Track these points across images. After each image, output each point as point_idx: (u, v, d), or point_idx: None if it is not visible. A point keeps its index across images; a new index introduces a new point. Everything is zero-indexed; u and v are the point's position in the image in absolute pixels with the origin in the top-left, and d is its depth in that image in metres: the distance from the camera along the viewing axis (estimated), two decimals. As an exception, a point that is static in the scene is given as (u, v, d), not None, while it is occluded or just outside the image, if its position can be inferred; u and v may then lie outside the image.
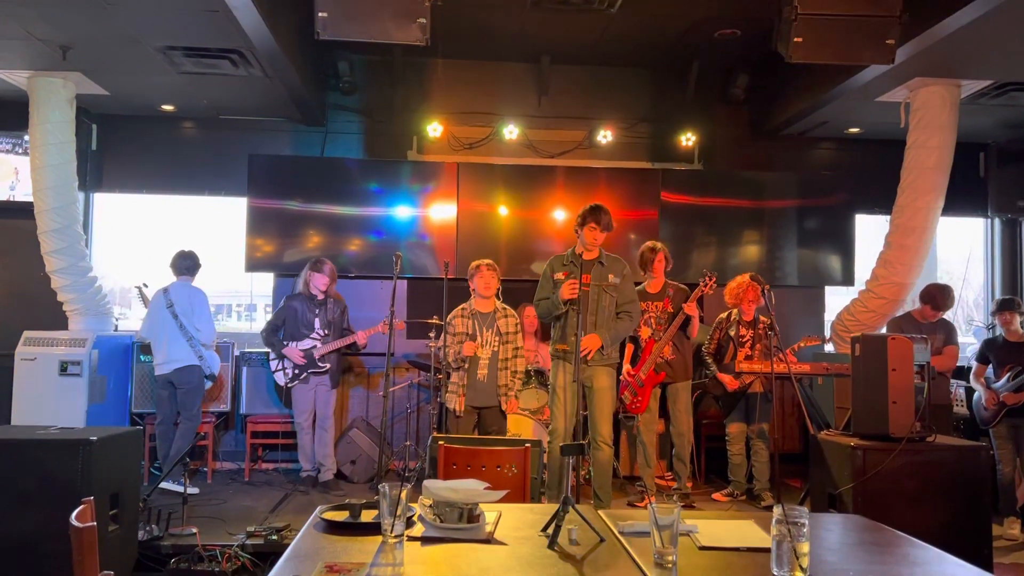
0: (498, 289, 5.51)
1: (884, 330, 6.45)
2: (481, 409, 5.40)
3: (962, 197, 7.46)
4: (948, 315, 6.06)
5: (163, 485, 5.52)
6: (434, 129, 7.29)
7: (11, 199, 6.99)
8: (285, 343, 6.08)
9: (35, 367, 6.21)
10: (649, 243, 5.95)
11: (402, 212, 7.27)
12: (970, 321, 8.72)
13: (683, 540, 2.17)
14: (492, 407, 5.41)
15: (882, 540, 2.38)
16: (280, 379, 6.15)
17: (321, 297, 6.16)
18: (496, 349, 5.40)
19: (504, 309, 5.50)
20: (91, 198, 7.48)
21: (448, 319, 5.47)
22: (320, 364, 6.09)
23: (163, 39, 5.56)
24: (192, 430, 5.96)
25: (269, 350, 6.19)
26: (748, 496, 6.00)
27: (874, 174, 7.60)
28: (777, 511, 1.91)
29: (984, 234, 8.38)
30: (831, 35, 4.62)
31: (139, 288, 6.28)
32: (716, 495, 6.09)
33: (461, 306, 5.50)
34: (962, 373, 6.44)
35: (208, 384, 6.19)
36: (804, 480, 6.07)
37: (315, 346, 6.09)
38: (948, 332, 5.92)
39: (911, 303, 6.44)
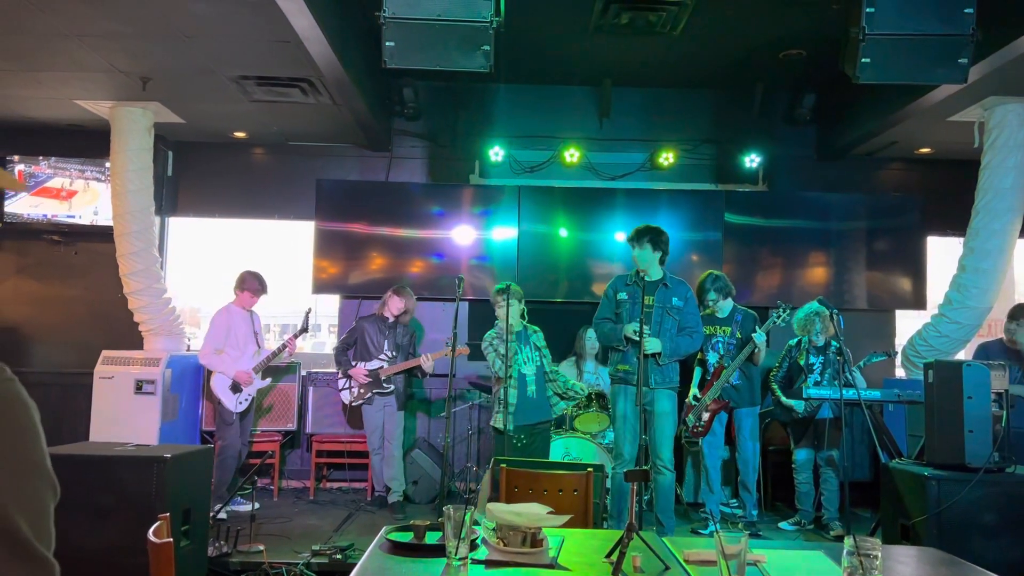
0: (523, 311, 5.42)
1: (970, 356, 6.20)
2: (533, 426, 5.33)
3: (1041, 218, 7.18)
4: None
5: (220, 514, 5.46)
6: (496, 153, 7.35)
7: (94, 223, 7.30)
8: (353, 363, 6.19)
9: (112, 385, 6.46)
10: (711, 276, 5.81)
11: (464, 235, 7.34)
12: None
13: (751, 570, 2.14)
14: (544, 423, 5.37)
15: (959, 575, 2.30)
16: (345, 397, 6.26)
17: (392, 320, 6.26)
18: (539, 363, 5.38)
19: (530, 327, 5.47)
20: (166, 222, 7.75)
21: (489, 342, 5.35)
22: (385, 385, 6.17)
23: (237, 69, 5.77)
24: (220, 455, 5.79)
25: (338, 369, 6.29)
26: (816, 525, 5.85)
27: (947, 195, 7.38)
28: (848, 542, 1.87)
29: (1065, 256, 8.05)
30: (900, 55, 4.49)
31: (306, 313, 6.31)
32: (783, 524, 5.94)
33: (493, 331, 5.38)
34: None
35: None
36: (874, 509, 5.89)
37: (382, 366, 6.18)
38: None
39: (987, 328, 6.20)
